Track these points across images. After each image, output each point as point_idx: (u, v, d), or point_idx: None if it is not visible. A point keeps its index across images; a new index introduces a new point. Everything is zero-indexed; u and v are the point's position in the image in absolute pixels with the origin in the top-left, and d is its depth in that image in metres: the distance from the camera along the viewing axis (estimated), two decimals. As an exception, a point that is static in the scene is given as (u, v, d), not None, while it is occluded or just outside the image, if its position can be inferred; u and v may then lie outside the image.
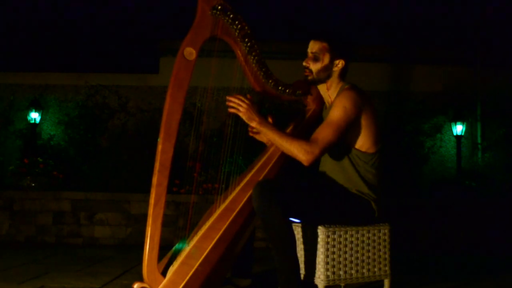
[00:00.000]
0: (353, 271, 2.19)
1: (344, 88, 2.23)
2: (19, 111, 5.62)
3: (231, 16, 2.14)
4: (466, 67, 5.80)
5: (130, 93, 5.65)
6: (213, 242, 2.01)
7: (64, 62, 6.74)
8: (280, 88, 2.35)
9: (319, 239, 2.15)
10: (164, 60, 5.74)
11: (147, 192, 1.98)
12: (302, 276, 2.19)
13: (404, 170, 5.12)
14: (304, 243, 2.24)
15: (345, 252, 2.18)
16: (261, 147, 2.55)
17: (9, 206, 4.49)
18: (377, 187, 2.24)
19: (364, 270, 2.22)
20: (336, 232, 2.16)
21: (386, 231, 2.28)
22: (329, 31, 2.29)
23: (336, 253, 2.15)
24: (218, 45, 2.17)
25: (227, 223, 2.08)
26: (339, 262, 2.16)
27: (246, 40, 2.20)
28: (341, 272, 2.16)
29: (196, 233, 2.12)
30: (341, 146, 2.19)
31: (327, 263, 2.13)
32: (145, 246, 1.91)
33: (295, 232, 2.20)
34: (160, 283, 1.89)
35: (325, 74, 2.27)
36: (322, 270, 2.13)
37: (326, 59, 2.25)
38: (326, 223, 2.17)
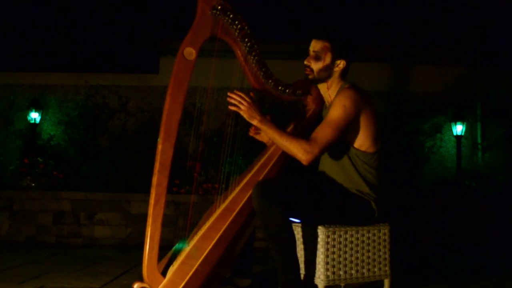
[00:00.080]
0: (353, 271, 2.19)
1: (344, 87, 2.23)
2: (19, 111, 5.62)
3: (231, 16, 2.14)
4: (466, 67, 5.80)
5: (130, 93, 5.65)
6: (213, 242, 2.01)
7: (64, 62, 6.74)
8: (280, 88, 2.35)
9: (319, 239, 2.15)
10: (164, 60, 5.74)
11: (147, 192, 1.98)
12: (302, 276, 2.19)
13: (404, 170, 5.12)
14: (304, 243, 2.24)
15: (345, 252, 2.18)
16: (261, 147, 2.55)
17: (9, 206, 4.50)
18: (377, 186, 2.24)
19: (364, 270, 2.22)
20: (336, 232, 2.16)
21: (386, 231, 2.28)
22: (332, 30, 2.28)
23: (336, 253, 2.15)
24: (218, 45, 2.17)
25: (227, 223, 2.08)
26: (339, 262, 2.16)
27: (246, 40, 2.20)
28: (341, 272, 2.16)
29: (196, 233, 2.12)
30: (340, 145, 2.19)
31: (327, 263, 2.13)
32: (145, 246, 1.91)
33: (295, 232, 2.20)
34: (160, 283, 1.89)
35: (326, 74, 2.27)
36: (322, 270, 2.13)
37: (328, 59, 2.25)
38: (326, 223, 2.17)
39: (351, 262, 2.19)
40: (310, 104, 2.57)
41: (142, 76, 5.85)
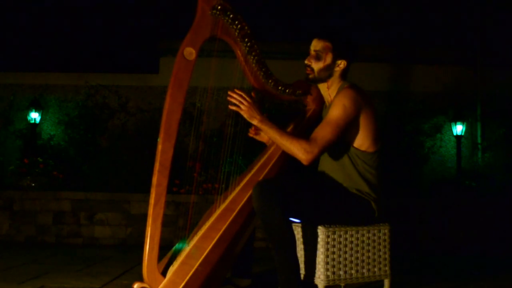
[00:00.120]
0: (353, 271, 2.19)
1: (344, 87, 2.23)
2: (19, 111, 5.62)
3: (231, 16, 2.14)
4: (466, 67, 5.80)
5: (130, 93, 5.65)
6: (213, 242, 2.01)
7: (64, 62, 6.74)
8: (280, 88, 2.35)
9: (319, 239, 2.15)
10: (164, 60, 5.74)
11: (147, 192, 1.98)
12: (302, 276, 2.19)
13: (404, 170, 5.12)
14: (304, 243, 2.24)
15: (345, 252, 2.18)
16: (261, 147, 2.55)
17: (9, 206, 4.50)
18: (377, 186, 2.24)
19: (364, 270, 2.22)
20: (336, 232, 2.16)
21: (386, 231, 2.28)
22: (334, 30, 2.28)
23: (336, 253, 2.15)
24: (218, 45, 2.17)
25: (227, 223, 2.08)
26: (339, 262, 2.16)
27: (246, 40, 2.20)
28: (341, 272, 2.16)
29: (196, 233, 2.12)
30: (340, 145, 2.19)
31: (327, 263, 2.13)
32: (145, 246, 1.91)
33: (295, 232, 2.20)
34: (160, 283, 1.89)
35: (327, 74, 2.27)
36: (322, 270, 2.13)
37: (329, 59, 2.25)
38: (326, 223, 2.17)
39: (351, 262, 2.19)
40: (310, 104, 2.57)
41: (142, 76, 5.85)
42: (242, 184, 2.28)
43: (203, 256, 1.96)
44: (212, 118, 4.91)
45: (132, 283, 1.91)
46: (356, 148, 2.21)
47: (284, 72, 2.85)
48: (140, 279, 1.92)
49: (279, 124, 2.24)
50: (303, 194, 2.12)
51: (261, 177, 2.26)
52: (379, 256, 2.26)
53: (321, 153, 2.12)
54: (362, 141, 2.21)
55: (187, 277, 1.89)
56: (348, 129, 2.16)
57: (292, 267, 2.03)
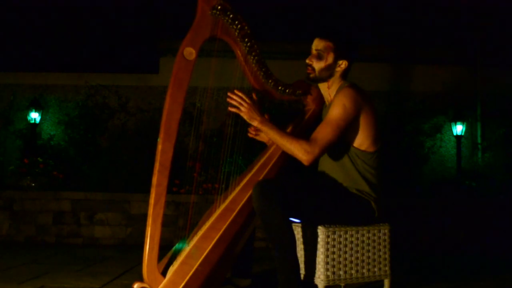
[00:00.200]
0: (353, 271, 2.19)
1: (344, 86, 2.23)
2: (19, 111, 5.62)
3: (231, 16, 2.14)
4: (466, 67, 5.80)
5: (130, 93, 5.65)
6: (213, 242, 2.01)
7: (64, 62, 6.73)
8: (280, 88, 2.35)
9: (319, 239, 2.15)
10: (164, 60, 5.74)
11: (147, 192, 1.98)
12: (302, 276, 2.19)
13: (404, 170, 5.12)
14: (304, 243, 2.24)
15: (345, 252, 2.18)
16: (261, 147, 2.55)
17: (9, 206, 4.49)
18: (377, 186, 2.24)
19: (364, 270, 2.22)
20: (336, 232, 2.16)
21: (386, 231, 2.28)
22: (336, 30, 2.28)
23: (336, 253, 2.15)
24: (218, 45, 2.17)
25: (227, 223, 2.08)
26: (339, 262, 2.16)
27: (246, 40, 2.20)
28: (341, 272, 2.16)
29: (196, 233, 2.12)
30: (340, 144, 2.19)
31: (327, 263, 2.13)
32: (145, 246, 1.91)
33: (295, 232, 2.20)
34: (160, 283, 1.89)
35: (327, 73, 2.27)
36: (322, 270, 2.13)
37: (330, 59, 2.25)
38: (326, 223, 2.17)
39: (351, 262, 2.19)
40: (310, 104, 2.57)
41: (142, 76, 5.85)
42: (242, 184, 2.28)
43: (203, 256, 1.96)
44: (212, 118, 4.91)
45: (132, 283, 1.91)
46: (356, 148, 2.21)
47: (284, 72, 2.85)
48: (140, 279, 1.92)
49: (279, 124, 2.24)
50: (303, 194, 2.12)
51: (261, 177, 2.26)
52: (379, 256, 2.26)
53: (321, 153, 2.12)
54: (362, 141, 2.21)
55: (187, 277, 1.89)
56: (348, 129, 2.16)
57: (292, 267, 2.03)
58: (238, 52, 2.24)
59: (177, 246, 2.08)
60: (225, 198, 2.24)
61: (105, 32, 7.28)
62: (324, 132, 2.12)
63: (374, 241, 2.25)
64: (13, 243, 4.39)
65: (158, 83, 5.68)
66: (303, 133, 2.40)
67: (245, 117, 2.16)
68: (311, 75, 2.28)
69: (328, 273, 2.13)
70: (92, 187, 4.78)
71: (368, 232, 2.24)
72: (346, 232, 2.19)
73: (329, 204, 2.17)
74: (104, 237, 4.46)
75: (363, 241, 2.22)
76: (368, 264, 2.23)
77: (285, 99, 2.49)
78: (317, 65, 2.25)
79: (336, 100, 2.18)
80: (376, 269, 2.24)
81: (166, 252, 2.08)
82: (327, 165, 2.29)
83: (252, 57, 2.25)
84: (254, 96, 2.21)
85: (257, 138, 2.56)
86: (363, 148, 2.21)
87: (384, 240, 2.27)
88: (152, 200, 1.93)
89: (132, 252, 3.97)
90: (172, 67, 2.03)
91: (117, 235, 4.47)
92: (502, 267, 3.54)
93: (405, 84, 5.84)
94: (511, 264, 3.67)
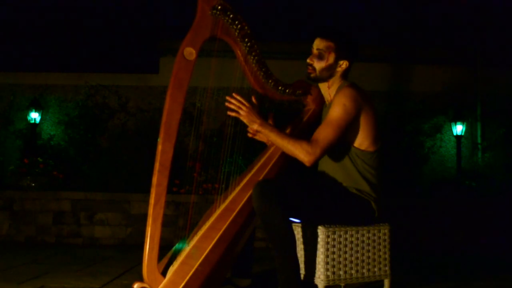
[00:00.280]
0: (353, 271, 2.19)
1: (344, 86, 2.23)
2: (19, 111, 5.62)
3: (231, 16, 2.14)
4: (466, 67, 5.80)
5: (130, 93, 5.65)
6: (213, 242, 2.01)
7: (64, 62, 6.74)
8: (280, 88, 2.35)
9: (319, 239, 2.15)
10: (164, 60, 5.74)
11: (147, 192, 1.98)
12: (302, 276, 2.19)
13: (404, 170, 5.12)
14: (304, 243, 2.24)
15: (345, 252, 2.18)
16: (261, 147, 2.55)
17: (9, 206, 4.49)
18: (377, 186, 2.24)
19: (364, 270, 2.22)
20: (336, 232, 2.16)
21: (386, 231, 2.28)
22: (337, 30, 2.28)
23: (336, 253, 2.15)
24: (218, 45, 2.17)
25: (227, 223, 2.08)
26: (339, 262, 2.16)
27: (246, 40, 2.20)
28: (341, 272, 2.16)
29: (196, 233, 2.12)
30: (340, 144, 2.19)
31: (327, 263, 2.13)
32: (145, 246, 1.91)
33: (295, 232, 2.20)
34: (160, 283, 1.89)
35: (328, 73, 2.27)
36: (322, 270, 2.13)
37: (331, 59, 2.25)
38: (326, 223, 2.17)
39: (351, 262, 2.19)
40: (310, 104, 2.57)
41: (142, 76, 5.85)
42: (242, 184, 2.28)
43: (203, 256, 1.96)
44: (212, 118, 4.91)
45: (132, 283, 1.91)
46: (356, 148, 2.21)
47: (284, 72, 2.85)
48: (140, 279, 1.92)
49: (279, 124, 2.24)
50: (303, 194, 2.12)
51: (261, 177, 2.26)
52: (379, 256, 2.26)
53: (323, 154, 2.12)
54: (362, 140, 2.21)
55: (187, 277, 1.89)
56: (348, 129, 2.16)
57: (292, 267, 2.03)
58: (238, 52, 2.24)
59: (177, 246, 2.08)
60: (225, 198, 2.24)
61: (105, 32, 7.29)
62: (325, 133, 2.12)
63: (374, 241, 2.25)
64: (13, 243, 4.39)
65: (158, 83, 5.68)
66: (303, 133, 2.40)
67: (244, 120, 2.16)
68: (312, 75, 2.28)
69: (328, 273, 2.13)
70: (92, 187, 4.78)
71: (368, 232, 2.24)
72: (346, 232, 2.19)
73: (329, 204, 2.17)
74: (104, 237, 4.46)
75: (363, 241, 2.22)
76: (368, 264, 2.23)
77: (285, 99, 2.49)
78: (318, 65, 2.25)
79: (336, 100, 2.18)
80: (376, 269, 2.24)
81: (166, 252, 2.08)
82: (327, 165, 2.29)
83: (252, 57, 2.25)
84: (253, 99, 2.21)
85: (257, 138, 2.56)
86: (363, 147, 2.21)
87: (384, 240, 2.27)
88: (152, 200, 1.93)
89: (132, 252, 3.97)
90: (172, 67, 2.03)
91: (117, 235, 4.47)
92: (502, 267, 3.54)
93: (405, 84, 5.84)
94: (511, 264, 3.67)
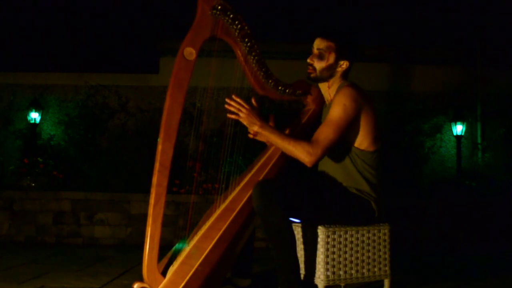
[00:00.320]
0: (353, 271, 2.19)
1: (343, 86, 2.23)
2: (19, 111, 5.62)
3: (231, 16, 2.14)
4: (466, 67, 5.80)
5: (130, 93, 5.65)
6: (213, 242, 2.01)
7: (64, 62, 6.73)
8: (280, 88, 2.35)
9: (319, 239, 2.15)
10: (164, 60, 5.74)
11: (147, 192, 1.98)
12: (302, 276, 2.19)
13: (404, 170, 5.12)
14: (304, 243, 2.24)
15: (345, 252, 2.18)
16: (261, 147, 2.55)
17: (9, 206, 4.49)
18: (377, 186, 2.24)
19: (364, 270, 2.22)
20: (336, 232, 2.16)
21: (386, 231, 2.28)
22: (338, 30, 2.28)
23: (336, 253, 2.15)
24: (218, 45, 2.17)
25: (227, 223, 2.08)
26: (339, 262, 2.16)
27: (246, 40, 2.20)
28: (341, 272, 2.16)
29: (196, 233, 2.12)
30: (340, 144, 2.19)
31: (327, 263, 2.13)
32: (145, 246, 1.91)
33: (295, 232, 2.20)
34: (160, 283, 1.89)
35: (328, 74, 2.27)
36: (322, 270, 2.13)
37: (331, 59, 2.25)
38: (326, 223, 2.17)
39: (351, 262, 2.19)
40: (310, 104, 2.57)
41: (142, 76, 5.85)
42: (242, 184, 2.28)
43: (203, 256, 1.96)
44: (212, 118, 4.91)
45: (132, 283, 1.91)
46: (356, 147, 2.21)
47: (284, 72, 2.85)
48: (140, 279, 1.92)
49: (279, 124, 2.24)
50: (303, 194, 2.12)
51: (261, 177, 2.26)
52: (379, 256, 2.26)
53: (324, 154, 2.12)
54: (362, 140, 2.21)
55: (187, 277, 1.89)
56: (349, 128, 2.16)
57: (292, 267, 2.03)
58: (238, 52, 2.24)
59: (177, 246, 2.08)
60: (225, 198, 2.24)
61: (105, 32, 7.29)
62: (325, 133, 2.12)
63: (374, 241, 2.25)
64: (13, 243, 4.39)
65: (158, 83, 5.68)
66: (304, 133, 2.40)
67: (244, 122, 2.16)
68: (312, 75, 2.28)
69: (328, 273, 2.13)
70: (92, 187, 4.78)
71: (368, 232, 2.24)
72: (346, 232, 2.19)
73: (329, 204, 2.17)
74: (104, 237, 4.46)
75: (363, 241, 2.22)
76: (368, 264, 2.23)
77: (285, 99, 2.49)
78: (318, 65, 2.25)
79: (336, 100, 2.18)
80: (376, 269, 2.24)
81: (166, 252, 2.08)
82: (327, 165, 2.29)
83: (252, 57, 2.25)
84: (253, 101, 2.21)
85: (258, 138, 2.56)
86: (363, 147, 2.21)
87: (384, 240, 2.27)
88: (152, 200, 1.93)
89: (132, 252, 3.97)
90: (172, 67, 2.03)
91: (117, 235, 4.47)
92: (502, 267, 3.54)
93: (405, 84, 5.83)
94: (511, 264, 3.67)
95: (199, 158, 4.22)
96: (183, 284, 1.88)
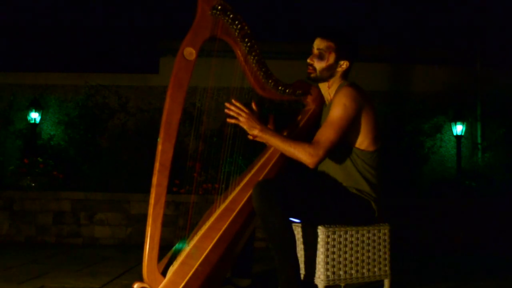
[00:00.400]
0: (353, 271, 2.19)
1: (343, 86, 2.23)
2: (19, 111, 5.62)
3: (231, 16, 2.14)
4: (466, 67, 5.80)
5: (130, 93, 5.65)
6: (213, 242, 2.01)
7: (64, 62, 6.74)
8: (280, 88, 2.35)
9: (319, 239, 2.15)
10: (164, 60, 5.75)
11: (147, 192, 1.98)
12: (302, 276, 2.19)
13: (404, 170, 5.12)
14: (304, 243, 2.24)
15: (345, 252, 2.18)
16: (261, 147, 2.55)
17: (9, 206, 4.49)
18: (377, 186, 2.23)
19: (364, 270, 2.22)
20: (336, 232, 2.16)
21: (386, 231, 2.28)
22: (338, 30, 2.28)
23: (336, 253, 2.15)
24: (218, 45, 2.17)
25: (227, 223, 2.08)
26: (339, 262, 2.16)
27: (246, 40, 2.20)
28: (341, 272, 2.16)
29: (196, 233, 2.12)
30: (340, 144, 2.19)
31: (327, 263, 2.13)
32: (145, 246, 1.91)
33: (295, 232, 2.20)
34: (160, 283, 1.89)
35: (328, 74, 2.27)
36: (322, 270, 2.13)
37: (332, 59, 2.25)
38: (326, 223, 2.17)
39: (351, 262, 2.19)
40: (310, 104, 2.57)
41: (142, 76, 5.85)
42: (242, 184, 2.28)
43: (203, 256, 1.96)
44: (212, 118, 4.91)
45: (132, 283, 1.91)
46: (356, 147, 2.21)
47: (284, 72, 2.85)
48: (140, 279, 1.92)
49: (279, 124, 2.24)
50: (303, 194, 2.12)
51: (261, 177, 2.26)
52: (379, 256, 2.26)
53: (326, 155, 2.12)
54: (362, 140, 2.21)
55: (187, 277, 1.89)
56: (349, 128, 2.16)
57: (292, 267, 2.03)
58: (238, 52, 2.24)
59: (177, 246, 2.08)
60: (225, 198, 2.24)
61: (105, 32, 7.29)
62: (326, 134, 2.12)
63: (374, 241, 2.25)
64: (13, 243, 4.39)
65: (158, 83, 5.68)
66: (304, 133, 2.40)
67: (244, 126, 2.16)
68: (312, 75, 2.28)
69: (328, 273, 2.13)
70: (92, 187, 4.78)
71: (368, 232, 2.24)
72: (346, 232, 2.18)
73: (329, 204, 2.17)
74: (104, 237, 4.46)
75: (363, 241, 2.22)
76: (368, 264, 2.23)
77: (285, 99, 2.49)
78: (318, 65, 2.25)
79: (336, 100, 2.18)
80: (376, 269, 2.24)
81: (166, 252, 2.08)
82: (327, 165, 2.29)
83: (252, 57, 2.24)
84: (253, 105, 2.21)
85: (258, 139, 2.56)
86: (363, 147, 2.21)
87: (384, 240, 2.27)
88: (152, 200, 1.93)
89: (132, 252, 3.97)
90: (172, 67, 2.03)
91: (117, 235, 4.47)
92: (502, 267, 3.54)
93: (405, 84, 5.84)
94: (511, 264, 3.67)
95: (199, 158, 4.22)
96: (183, 284, 1.88)
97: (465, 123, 5.38)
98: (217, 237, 2.03)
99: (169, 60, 5.61)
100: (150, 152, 2.14)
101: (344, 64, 2.26)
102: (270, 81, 2.32)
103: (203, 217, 2.25)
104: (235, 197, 2.21)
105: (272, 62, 2.59)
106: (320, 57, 2.24)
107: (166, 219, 4.10)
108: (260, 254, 2.79)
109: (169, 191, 2.72)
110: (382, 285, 2.30)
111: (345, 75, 2.30)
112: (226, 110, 2.16)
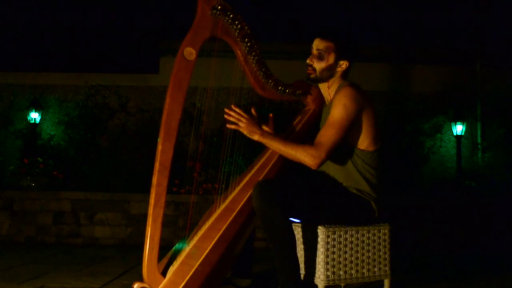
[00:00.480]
0: (353, 271, 2.19)
1: (343, 86, 2.23)
2: (19, 111, 5.62)
3: (231, 16, 2.14)
4: (466, 67, 5.80)
5: (130, 93, 5.65)
6: (213, 242, 2.01)
7: (64, 62, 6.74)
8: (280, 88, 2.35)
9: (319, 239, 2.15)
10: (164, 60, 5.75)
11: (147, 192, 1.98)
12: (302, 276, 2.19)
13: (404, 170, 5.12)
14: (304, 243, 2.24)
15: (345, 252, 2.18)
16: (261, 147, 2.55)
17: (9, 206, 4.49)
18: (377, 186, 2.24)
19: (364, 270, 2.22)
20: (336, 232, 2.16)
21: (386, 231, 2.28)
22: (337, 31, 2.28)
23: (336, 253, 2.15)
24: (218, 45, 2.17)
25: (227, 223, 2.08)
26: (339, 262, 2.16)
27: (246, 40, 2.20)
28: (341, 272, 2.16)
29: (196, 233, 2.12)
30: (340, 144, 2.19)
31: (327, 263, 2.13)
32: (145, 246, 1.91)
33: (295, 232, 2.20)
34: (160, 283, 1.89)
35: (328, 74, 2.27)
36: (322, 270, 2.13)
37: (331, 59, 2.25)
38: (326, 223, 2.17)
39: (351, 262, 2.19)
40: (310, 104, 2.57)
41: (142, 76, 5.85)
42: (242, 184, 2.28)
43: (203, 256, 1.96)
44: (212, 118, 4.91)
45: (132, 283, 1.91)
46: (356, 147, 2.21)
47: (284, 72, 2.85)
48: (140, 279, 1.92)
49: (279, 124, 2.24)
50: (303, 194, 2.12)
51: (261, 177, 2.26)
52: (379, 256, 2.26)
53: (328, 156, 2.12)
54: (362, 140, 2.21)
55: (187, 277, 1.89)
56: (350, 128, 2.16)
57: (292, 267, 2.03)
58: (238, 52, 2.24)
59: (177, 246, 2.08)
60: (225, 198, 2.24)
61: (105, 32, 7.29)
62: (328, 135, 2.12)
63: (374, 241, 2.25)
64: (13, 243, 4.39)
65: (158, 83, 5.68)
66: (304, 133, 2.40)
67: (244, 132, 2.16)
68: (312, 75, 2.28)
69: (328, 273, 2.13)
70: (92, 187, 4.78)
71: (368, 232, 2.24)
72: (346, 232, 2.19)
73: (329, 204, 2.17)
74: (104, 237, 4.46)
75: (363, 241, 2.22)
76: (368, 264, 2.23)
77: (285, 99, 2.49)
78: (318, 65, 2.25)
79: (336, 100, 2.18)
80: (376, 269, 2.24)
81: (166, 252, 2.08)
82: (327, 165, 2.29)
83: (252, 57, 2.25)
84: (253, 110, 2.21)
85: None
86: (363, 147, 2.21)
87: (384, 240, 2.27)
88: (152, 200, 1.93)
89: (132, 252, 3.97)
90: (172, 67, 2.03)
91: (117, 235, 4.47)
92: (502, 267, 3.54)
93: (405, 84, 5.84)
94: (511, 264, 3.67)
95: (199, 158, 4.22)
96: (183, 284, 1.88)
97: (465, 123, 5.38)
98: (217, 237, 2.03)
99: (169, 60, 5.61)
100: (150, 152, 2.14)
101: (343, 64, 2.26)
102: (270, 81, 2.32)
103: (203, 217, 2.25)
104: (235, 197, 2.21)
105: (272, 62, 2.59)
106: (320, 57, 2.24)
107: (166, 219, 4.10)
108: (260, 254, 2.79)
109: (169, 191, 2.72)
110: (382, 285, 2.30)
111: (345, 75, 2.30)
112: (225, 116, 2.16)
